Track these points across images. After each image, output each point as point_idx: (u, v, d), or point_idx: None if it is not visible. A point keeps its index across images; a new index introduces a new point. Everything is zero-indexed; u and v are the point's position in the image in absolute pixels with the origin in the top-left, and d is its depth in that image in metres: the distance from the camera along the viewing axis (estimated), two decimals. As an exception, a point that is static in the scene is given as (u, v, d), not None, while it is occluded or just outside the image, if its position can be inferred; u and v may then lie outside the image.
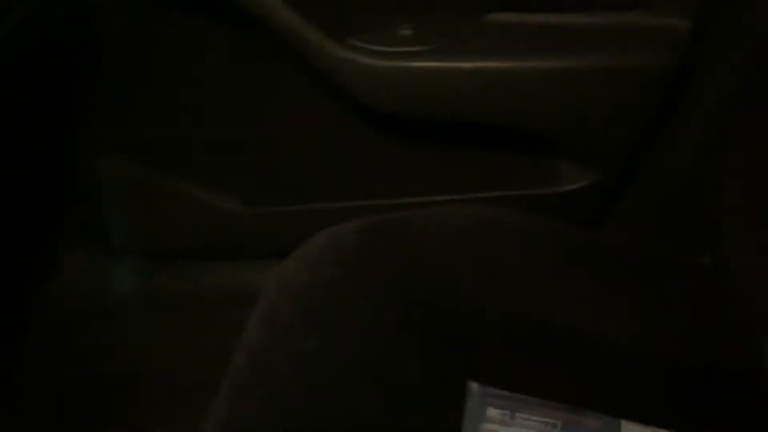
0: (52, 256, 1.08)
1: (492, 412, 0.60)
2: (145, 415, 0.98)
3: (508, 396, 0.61)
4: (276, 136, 0.97)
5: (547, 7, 0.85)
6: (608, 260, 0.76)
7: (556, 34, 0.84)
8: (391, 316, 0.67)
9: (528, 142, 0.92)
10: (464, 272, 0.71)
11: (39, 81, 0.91)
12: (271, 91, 0.93)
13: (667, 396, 0.64)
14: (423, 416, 0.61)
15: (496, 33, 0.84)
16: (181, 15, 0.88)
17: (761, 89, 0.75)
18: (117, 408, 0.99)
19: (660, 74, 0.84)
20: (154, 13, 0.88)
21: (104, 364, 1.03)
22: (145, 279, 1.08)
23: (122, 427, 0.97)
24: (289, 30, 0.82)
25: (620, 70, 0.84)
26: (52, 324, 1.06)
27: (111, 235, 1.06)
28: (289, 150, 0.99)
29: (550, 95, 0.85)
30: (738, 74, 0.81)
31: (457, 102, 0.85)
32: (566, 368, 0.65)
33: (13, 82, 0.83)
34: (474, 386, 0.62)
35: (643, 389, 0.64)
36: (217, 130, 0.98)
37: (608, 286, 0.73)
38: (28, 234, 1.04)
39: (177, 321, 1.06)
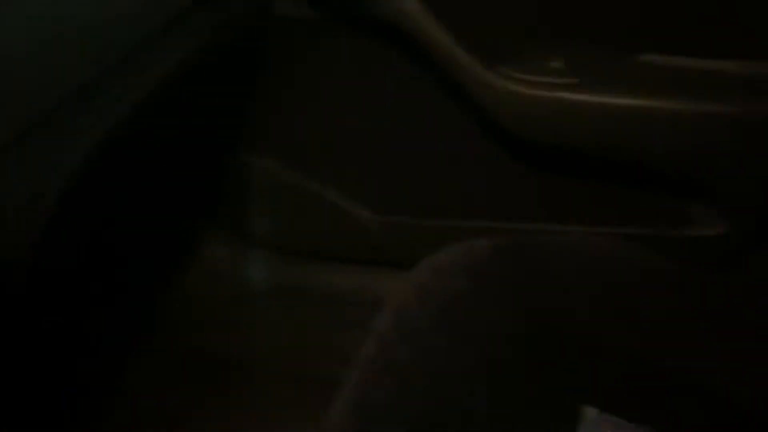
0: (198, 243, 1.17)
1: (605, 438, 0.62)
2: (263, 401, 1.03)
3: (624, 425, 0.62)
4: (414, 152, 1.02)
5: (700, 53, 0.86)
6: (734, 308, 0.75)
7: (706, 79, 0.85)
8: (513, 332, 0.69)
9: (663, 182, 0.92)
10: (590, 303, 0.72)
11: (217, 85, 1.01)
12: (416, 110, 0.98)
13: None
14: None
15: (645, 73, 0.85)
16: (349, 34, 0.94)
17: None
18: (237, 390, 1.05)
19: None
20: (326, 30, 0.95)
21: (231, 348, 1.10)
22: (279, 273, 1.14)
23: (240, 411, 1.03)
24: (443, 53, 0.86)
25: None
26: (190, 305, 1.14)
27: (252, 229, 1.14)
28: (425, 165, 1.03)
29: (694, 139, 0.85)
30: None
31: (599, 137, 0.87)
32: (678, 410, 0.65)
33: (197, 87, 0.92)
34: (589, 411, 0.63)
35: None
36: (360, 141, 1.04)
37: (731, 333, 0.72)
38: (180, 219, 1.13)
39: (304, 315, 1.11)
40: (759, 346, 0.71)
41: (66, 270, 0.93)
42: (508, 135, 0.91)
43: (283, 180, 1.08)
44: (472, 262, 0.73)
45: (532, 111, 0.87)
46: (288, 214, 1.12)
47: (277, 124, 1.06)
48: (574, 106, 0.85)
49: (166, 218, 1.11)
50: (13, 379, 0.89)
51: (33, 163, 0.61)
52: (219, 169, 1.12)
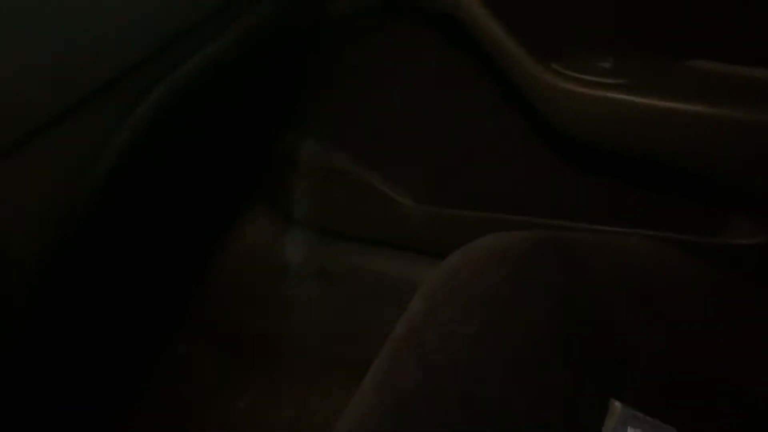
0: (241, 220, 1.20)
1: (632, 433, 0.63)
2: (293, 378, 1.06)
3: (650, 422, 0.63)
4: (460, 143, 1.03)
5: (749, 61, 0.86)
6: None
7: (755, 87, 0.85)
8: (545, 325, 0.70)
9: (704, 188, 0.93)
10: (625, 301, 0.73)
11: (268, 66, 1.03)
12: (464, 101, 0.99)
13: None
14: (562, 425, 0.64)
15: (693, 78, 0.86)
16: (404, 22, 0.95)
17: None
18: (268, 366, 1.08)
19: None
20: (382, 16, 0.96)
21: (267, 324, 1.13)
22: (318, 253, 1.17)
23: (270, 387, 1.05)
24: (496, 46, 0.87)
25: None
26: (230, 281, 1.17)
27: (295, 208, 1.16)
28: (470, 157, 1.04)
29: (738, 147, 0.85)
30: None
31: (644, 138, 0.87)
32: (706, 414, 0.66)
33: (248, 66, 0.94)
34: (617, 405, 0.64)
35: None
36: (408, 129, 1.05)
37: (764, 341, 0.72)
38: (225, 195, 1.16)
39: (339, 297, 1.13)
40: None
41: (110, 244, 0.96)
42: (554, 131, 0.91)
43: (328, 162, 1.11)
44: (507, 253, 0.74)
45: (580, 109, 0.87)
46: (331, 196, 1.14)
47: (327, 107, 1.08)
48: (620, 107, 0.86)
49: (211, 194, 1.14)
50: (60, 340, 0.92)
51: (83, 139, 0.64)
52: (266, 148, 1.14)
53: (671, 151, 0.88)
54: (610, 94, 0.85)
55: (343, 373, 1.02)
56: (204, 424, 1.02)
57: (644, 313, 0.72)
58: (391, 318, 0.92)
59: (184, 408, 1.03)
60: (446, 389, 0.65)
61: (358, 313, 1.11)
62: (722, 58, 0.87)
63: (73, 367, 1.00)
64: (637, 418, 0.63)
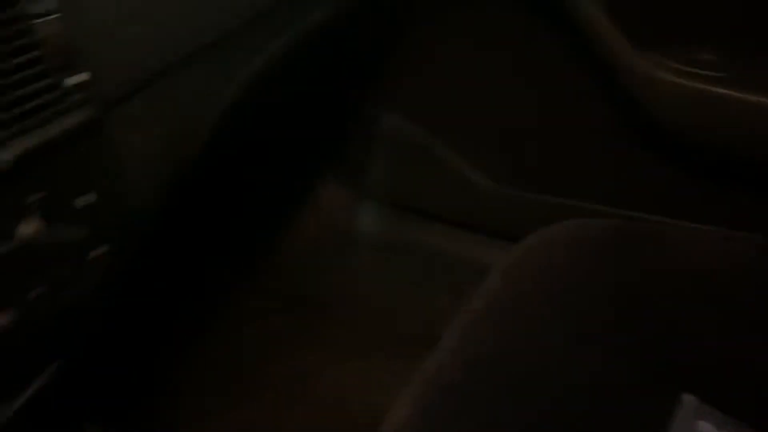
0: (315, 188, 1.22)
1: (703, 426, 0.62)
2: (349, 346, 1.07)
3: (721, 417, 0.63)
4: (542, 126, 1.03)
5: None
6: None
7: None
8: (617, 312, 0.70)
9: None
10: (694, 295, 0.72)
11: (351, 41, 1.04)
12: (549, 85, 0.99)
13: None
14: (627, 416, 0.64)
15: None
16: (493, 2, 0.95)
17: None
18: (326, 332, 1.10)
19: None
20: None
21: (332, 292, 1.15)
22: (386, 227, 1.18)
23: (324, 352, 1.07)
24: (594, 30, 0.86)
25: None
26: (300, 245, 1.19)
27: (368, 181, 1.18)
28: (551, 141, 1.03)
29: None
30: None
31: (741, 134, 0.86)
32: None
33: (332, 41, 0.96)
34: (688, 398, 0.64)
35: None
36: (488, 110, 1.05)
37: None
38: (303, 164, 1.18)
39: (406, 272, 1.14)
40: None
41: (210, 189, 0.99)
42: (644, 120, 0.90)
43: (408, 138, 1.11)
44: (586, 239, 0.75)
45: (678, 100, 0.86)
46: (406, 172, 1.15)
47: (409, 84, 1.09)
48: (717, 100, 0.84)
49: (291, 162, 1.16)
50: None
51: (197, 87, 0.67)
52: (346, 121, 1.16)
53: (763, 148, 0.86)
54: (707, 87, 0.84)
55: (402, 347, 1.03)
56: (262, 379, 1.04)
57: (718, 308, 0.72)
58: (453, 297, 0.93)
59: (245, 359, 1.06)
60: (517, 361, 0.65)
61: (422, 290, 1.12)
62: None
63: (166, 297, 1.04)
64: (709, 413, 0.63)
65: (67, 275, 0.55)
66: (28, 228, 0.52)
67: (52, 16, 0.52)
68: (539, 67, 0.99)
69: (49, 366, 0.64)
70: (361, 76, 1.13)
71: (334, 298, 1.15)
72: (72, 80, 0.54)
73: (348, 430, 0.95)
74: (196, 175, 0.72)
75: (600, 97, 0.94)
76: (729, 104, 0.85)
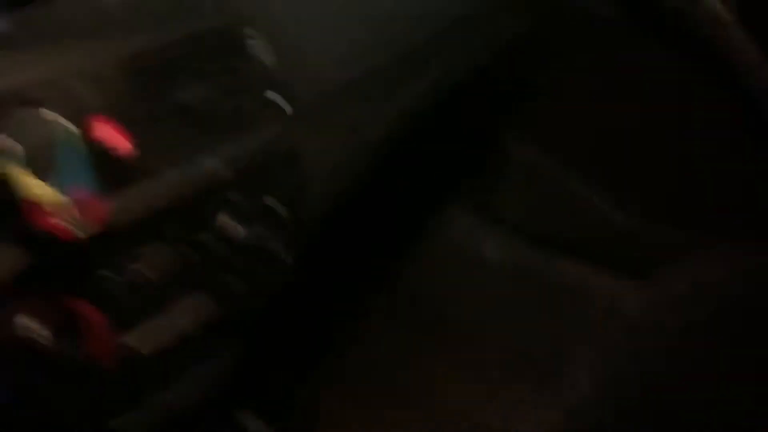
0: (445, 213, 1.25)
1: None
2: (471, 364, 1.10)
3: None
4: (677, 159, 1.03)
5: None
6: None
7: None
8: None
9: None
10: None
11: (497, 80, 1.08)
12: (682, 115, 0.99)
13: None
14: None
15: None
16: (632, 34, 0.97)
17: None
18: (448, 350, 1.13)
19: None
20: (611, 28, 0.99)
21: (456, 314, 1.18)
22: (513, 253, 1.20)
23: (447, 369, 1.11)
24: (733, 48, 0.87)
25: None
26: (428, 266, 1.23)
27: (498, 206, 1.21)
28: (687, 175, 1.04)
29: None
30: None
31: None
32: None
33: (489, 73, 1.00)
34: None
35: None
36: (622, 140, 1.07)
37: None
38: (436, 192, 1.22)
39: (530, 299, 1.16)
40: None
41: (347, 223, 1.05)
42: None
43: (540, 167, 1.14)
44: (712, 278, 0.75)
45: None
46: (536, 199, 1.18)
47: (544, 116, 1.12)
48: None
49: (425, 191, 1.20)
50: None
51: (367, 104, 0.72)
52: (482, 150, 1.19)
53: None
54: None
55: (527, 371, 1.05)
56: (384, 387, 1.07)
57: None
58: (577, 328, 0.93)
59: (368, 369, 1.10)
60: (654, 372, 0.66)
61: (544, 316, 1.13)
62: None
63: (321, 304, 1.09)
64: None
65: (261, 275, 0.61)
66: (226, 224, 0.58)
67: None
68: (676, 100, 1.00)
69: (221, 356, 0.69)
70: (498, 108, 1.17)
71: (461, 319, 1.17)
72: (270, 95, 0.60)
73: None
74: (359, 189, 0.77)
75: (737, 125, 0.94)
76: None
